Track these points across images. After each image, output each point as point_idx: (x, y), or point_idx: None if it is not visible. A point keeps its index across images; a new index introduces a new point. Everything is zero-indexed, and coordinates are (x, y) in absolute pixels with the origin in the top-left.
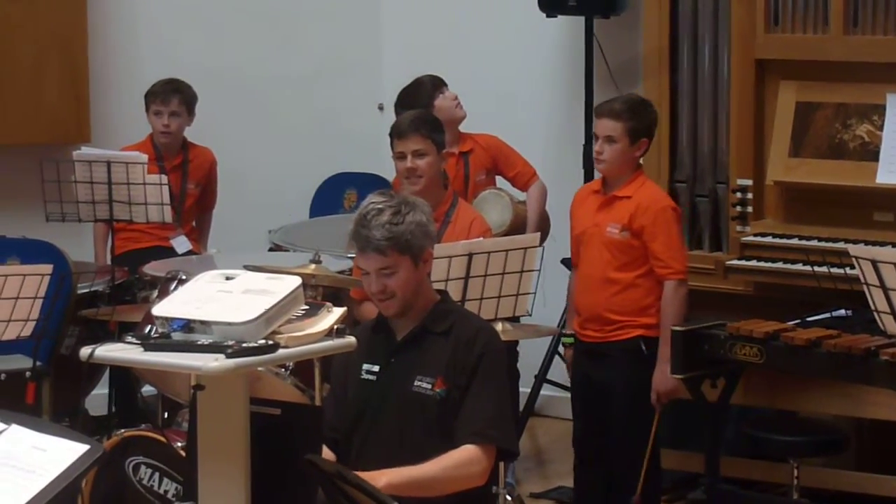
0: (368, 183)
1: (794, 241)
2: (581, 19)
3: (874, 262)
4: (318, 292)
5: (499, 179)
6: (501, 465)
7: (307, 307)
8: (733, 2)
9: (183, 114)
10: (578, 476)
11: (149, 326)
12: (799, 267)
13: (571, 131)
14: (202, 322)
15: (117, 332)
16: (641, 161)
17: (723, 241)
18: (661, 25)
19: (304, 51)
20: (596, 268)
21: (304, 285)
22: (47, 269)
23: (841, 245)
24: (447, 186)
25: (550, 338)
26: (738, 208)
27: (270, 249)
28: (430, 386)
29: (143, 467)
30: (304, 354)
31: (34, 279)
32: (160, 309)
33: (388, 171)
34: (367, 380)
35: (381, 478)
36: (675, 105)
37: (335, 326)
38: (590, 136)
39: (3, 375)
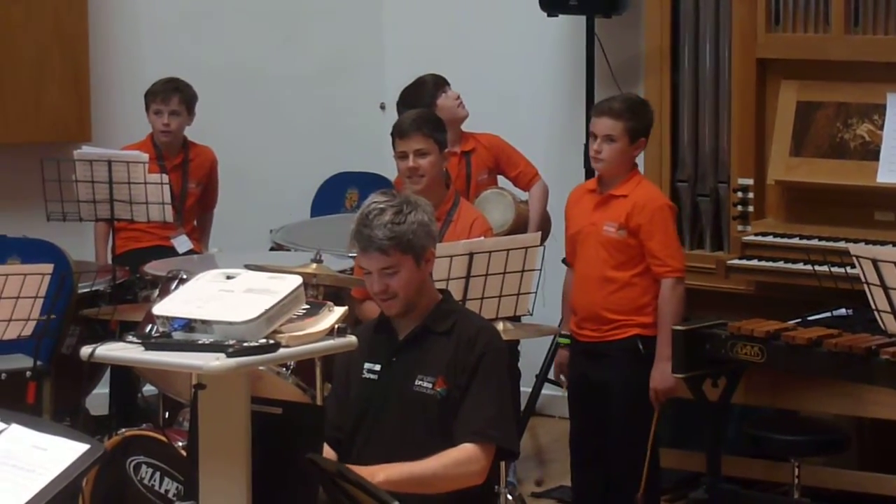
0: (370, 182)
1: (795, 241)
2: (582, 19)
3: (875, 262)
4: (320, 291)
5: (501, 179)
6: (503, 464)
7: (308, 306)
8: (734, 1)
9: (183, 113)
10: (576, 476)
11: (150, 326)
12: (800, 266)
13: (573, 130)
14: (203, 321)
15: (118, 332)
16: (637, 160)
17: (724, 241)
18: (663, 25)
19: (306, 50)
20: (592, 267)
21: (306, 284)
22: (48, 268)
23: (842, 244)
24: (449, 186)
25: (551, 337)
26: (740, 208)
27: (272, 249)
28: (430, 385)
29: (144, 467)
30: (305, 354)
31: (35, 279)
32: (161, 308)
33: (389, 170)
34: (369, 379)
35: (379, 473)
36: (676, 104)
37: (336, 326)
38: None
39: (3, 375)
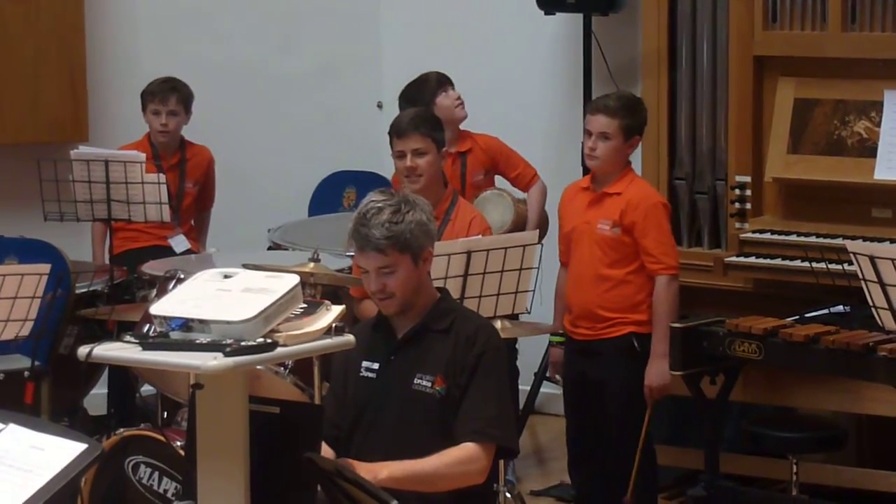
0: (367, 181)
1: (793, 238)
2: (579, 17)
3: (872, 258)
4: (317, 291)
5: (499, 179)
6: (501, 462)
7: (306, 305)
8: None
9: (181, 113)
10: (574, 474)
11: (147, 325)
12: (797, 263)
13: (570, 129)
14: (201, 321)
15: (116, 332)
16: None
17: (722, 238)
18: (660, 22)
19: (304, 49)
20: (587, 265)
21: (303, 284)
22: (45, 268)
23: (839, 241)
24: (447, 184)
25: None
26: (737, 205)
27: (269, 248)
28: (429, 384)
29: (142, 466)
30: (303, 353)
31: (32, 279)
32: (158, 308)
33: (387, 169)
34: (367, 377)
35: (382, 470)
36: (673, 102)
37: (334, 324)
38: None
39: (1, 375)
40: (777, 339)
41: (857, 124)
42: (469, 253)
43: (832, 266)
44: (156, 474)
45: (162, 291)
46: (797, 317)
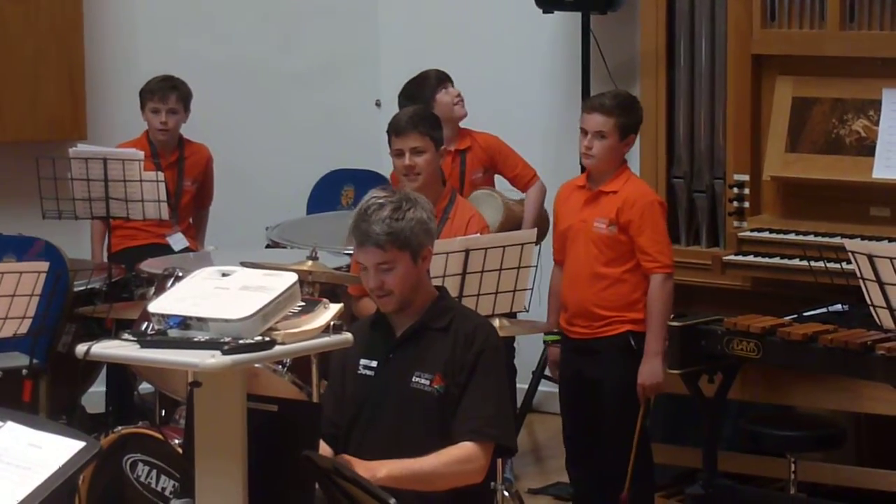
0: (366, 179)
1: (791, 237)
2: (578, 15)
3: (870, 257)
4: (315, 289)
5: (498, 179)
6: (500, 461)
7: (304, 304)
8: None
9: (180, 111)
10: (572, 473)
11: (145, 323)
12: (796, 262)
13: (568, 127)
14: (199, 319)
15: (114, 330)
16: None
17: (720, 237)
18: (658, 21)
19: (302, 47)
20: (583, 263)
21: (301, 282)
22: (43, 266)
23: (838, 240)
24: (445, 183)
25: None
26: (736, 204)
27: (267, 246)
28: (428, 382)
29: (140, 464)
30: (301, 351)
31: (30, 276)
32: (157, 306)
33: (385, 167)
34: (365, 376)
35: (381, 468)
36: (672, 100)
37: (332, 323)
38: None
39: None
40: (775, 337)
41: (855, 123)
42: (467, 251)
43: (830, 265)
44: (154, 472)
45: (160, 289)
46: (795, 315)
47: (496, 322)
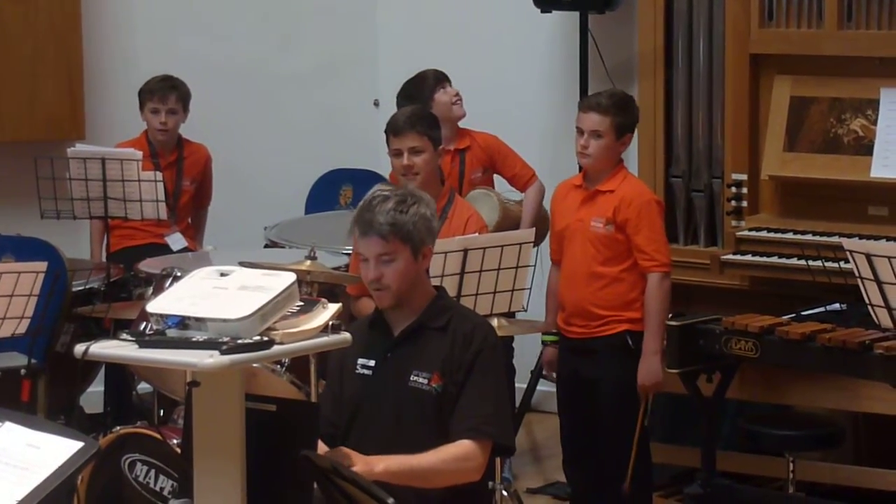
0: (364, 179)
1: (789, 236)
2: (576, 15)
3: (868, 256)
4: (314, 289)
5: (498, 179)
6: (498, 460)
7: (302, 303)
8: None
9: (179, 111)
10: (570, 472)
11: (144, 323)
12: (794, 261)
13: (567, 127)
14: (197, 319)
15: (112, 330)
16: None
17: (718, 236)
18: (656, 20)
19: (301, 47)
20: (580, 263)
21: (300, 282)
22: (42, 266)
23: (836, 239)
24: (444, 182)
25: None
26: (734, 203)
27: (266, 246)
28: (426, 381)
29: (139, 464)
30: (300, 351)
31: (29, 276)
32: (155, 306)
33: (384, 167)
34: (364, 375)
35: (379, 463)
36: (670, 100)
37: (330, 322)
38: None
39: None
40: (773, 336)
41: (853, 122)
42: (465, 251)
43: (828, 264)
44: (152, 472)
45: (159, 289)
46: (793, 315)
47: (494, 321)
